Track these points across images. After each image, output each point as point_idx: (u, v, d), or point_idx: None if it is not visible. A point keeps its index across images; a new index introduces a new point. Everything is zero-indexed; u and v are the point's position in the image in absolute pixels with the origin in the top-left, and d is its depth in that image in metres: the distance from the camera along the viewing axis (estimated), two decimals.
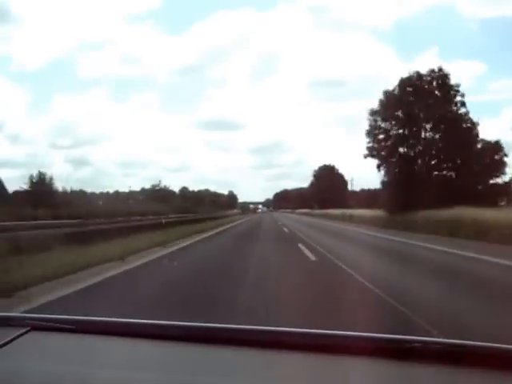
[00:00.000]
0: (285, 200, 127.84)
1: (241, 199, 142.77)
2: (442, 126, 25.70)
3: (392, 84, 28.15)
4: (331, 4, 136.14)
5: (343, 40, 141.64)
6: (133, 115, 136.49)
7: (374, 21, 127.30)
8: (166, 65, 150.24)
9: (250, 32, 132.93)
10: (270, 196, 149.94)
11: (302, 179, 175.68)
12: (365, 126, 28.30)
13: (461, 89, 26.36)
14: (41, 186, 22.05)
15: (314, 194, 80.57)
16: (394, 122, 26.74)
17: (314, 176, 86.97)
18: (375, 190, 37.70)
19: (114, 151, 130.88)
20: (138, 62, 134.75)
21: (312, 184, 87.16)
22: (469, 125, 26.31)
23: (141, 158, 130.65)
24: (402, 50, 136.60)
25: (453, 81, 26.35)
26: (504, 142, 27.94)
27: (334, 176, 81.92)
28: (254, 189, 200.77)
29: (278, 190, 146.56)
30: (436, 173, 26.88)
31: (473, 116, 26.79)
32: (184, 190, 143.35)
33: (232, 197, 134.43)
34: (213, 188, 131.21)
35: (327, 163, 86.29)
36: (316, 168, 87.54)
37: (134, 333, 1.35)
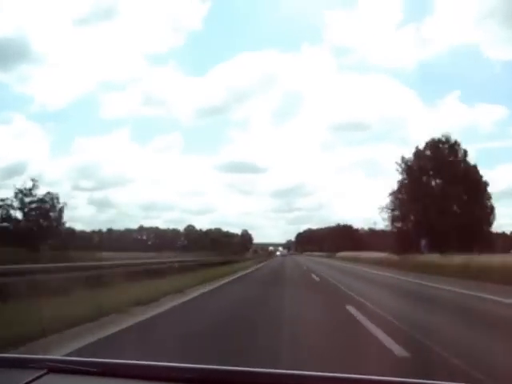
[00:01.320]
0: (310, 241, 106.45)
1: (259, 240, 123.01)
2: None
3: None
4: (354, 46, 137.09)
5: (366, 82, 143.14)
6: (155, 156, 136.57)
7: (397, 63, 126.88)
8: (187, 106, 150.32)
9: (272, 74, 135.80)
10: (292, 237, 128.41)
11: (322, 223, 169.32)
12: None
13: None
14: None
15: (417, 214, 32.57)
16: None
17: (408, 165, 35.70)
18: None
19: (137, 193, 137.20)
20: (160, 103, 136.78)
21: (402, 185, 35.28)
22: None
23: (163, 200, 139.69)
24: (424, 93, 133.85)
25: None
26: None
27: (463, 173, 34.00)
28: (275, 231, 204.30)
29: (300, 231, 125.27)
30: None
31: None
32: (189, 228, 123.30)
33: (246, 237, 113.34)
34: (233, 230, 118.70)
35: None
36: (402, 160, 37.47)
37: (156, 376, 1.34)
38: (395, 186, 33.23)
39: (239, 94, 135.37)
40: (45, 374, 1.32)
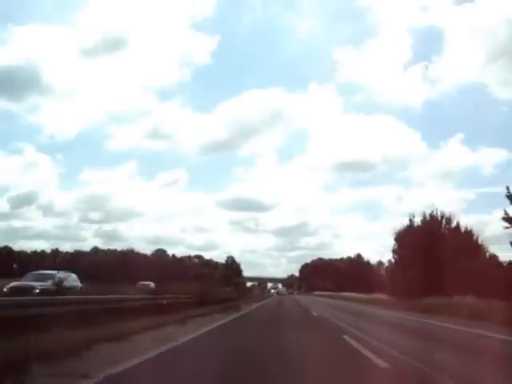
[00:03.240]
0: (321, 275, 73.76)
1: (253, 274, 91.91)
2: None
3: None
4: (361, 85, 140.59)
5: (372, 122, 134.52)
6: (160, 191, 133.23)
7: (403, 103, 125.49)
8: (193, 141, 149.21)
9: (278, 112, 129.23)
10: (295, 272, 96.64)
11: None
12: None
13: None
14: None
15: None
16: None
17: None
18: None
19: (143, 227, 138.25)
20: (166, 138, 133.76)
21: None
22: None
23: (168, 236, 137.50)
24: (429, 134, 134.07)
25: None
26: None
27: None
28: (276, 270, 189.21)
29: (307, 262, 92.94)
30: None
31: None
32: (158, 253, 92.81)
33: (231, 268, 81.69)
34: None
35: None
36: None
37: None
38: None
39: (245, 131, 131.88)
40: None
